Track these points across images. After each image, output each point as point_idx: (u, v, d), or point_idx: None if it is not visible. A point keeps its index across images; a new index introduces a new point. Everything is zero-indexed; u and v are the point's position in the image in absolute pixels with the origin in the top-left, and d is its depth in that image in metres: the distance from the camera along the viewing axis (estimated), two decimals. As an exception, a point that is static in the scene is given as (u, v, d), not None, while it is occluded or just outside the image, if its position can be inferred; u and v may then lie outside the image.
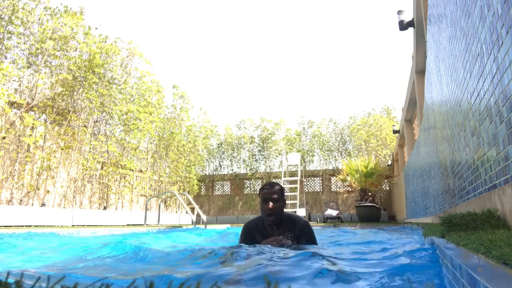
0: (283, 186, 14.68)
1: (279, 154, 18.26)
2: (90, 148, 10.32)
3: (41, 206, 8.67)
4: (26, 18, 8.66)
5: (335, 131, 18.25)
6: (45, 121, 9.42)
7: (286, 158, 16.07)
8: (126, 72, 11.73)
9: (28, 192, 8.66)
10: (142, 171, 13.25)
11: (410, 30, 8.00)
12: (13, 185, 8.38)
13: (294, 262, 2.06)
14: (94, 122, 10.80)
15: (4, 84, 7.82)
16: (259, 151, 18.55)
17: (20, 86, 8.87)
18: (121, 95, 11.26)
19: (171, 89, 15.08)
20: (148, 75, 12.31)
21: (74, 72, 9.74)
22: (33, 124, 8.58)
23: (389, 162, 16.86)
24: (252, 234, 2.97)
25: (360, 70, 52.25)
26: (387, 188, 16.69)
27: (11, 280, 0.50)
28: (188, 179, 16.02)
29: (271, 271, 1.81)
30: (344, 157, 17.71)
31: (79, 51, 10.12)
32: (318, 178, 17.89)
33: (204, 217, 9.35)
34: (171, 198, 14.71)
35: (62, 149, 9.54)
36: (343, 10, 52.29)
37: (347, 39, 53.65)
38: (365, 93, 44.79)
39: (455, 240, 1.48)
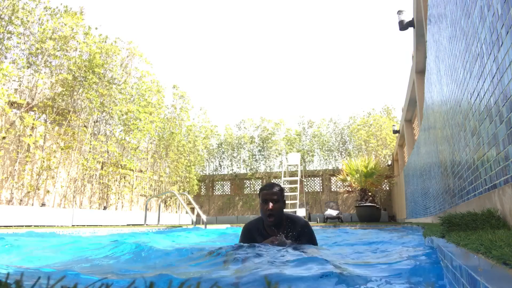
0: (283, 186, 14.73)
1: (279, 154, 18.26)
2: (90, 148, 10.32)
3: (41, 206, 8.67)
4: (26, 18, 8.66)
5: (335, 131, 18.25)
6: (45, 121, 9.42)
7: (286, 158, 16.07)
8: (126, 72, 11.73)
9: (28, 192, 8.66)
10: (142, 171, 13.25)
11: (410, 30, 8.00)
12: (13, 185, 8.38)
13: (295, 264, 2.06)
14: (94, 122, 10.80)
15: (4, 84, 7.82)
16: (259, 151, 18.55)
17: (20, 86, 8.87)
18: (121, 95, 11.26)
19: (171, 89, 15.09)
20: (148, 75, 12.31)
21: (74, 72, 9.74)
22: (33, 124, 8.58)
23: (389, 162, 16.86)
24: (252, 235, 2.98)
25: (360, 70, 52.25)
26: (387, 188, 16.69)
27: (11, 280, 0.50)
28: (188, 179, 16.02)
29: (271, 273, 1.81)
30: (344, 157, 17.71)
31: (79, 51, 10.12)
32: (318, 178, 17.88)
33: (204, 217, 9.35)
34: (171, 198, 14.71)
35: (62, 149, 9.54)
36: (343, 10, 52.30)
37: (347, 39, 53.65)
38: (365, 93, 44.81)
39: (455, 240, 1.48)
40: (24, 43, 8.86)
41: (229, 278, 1.71)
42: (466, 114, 3.08)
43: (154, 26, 53.38)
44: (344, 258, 2.51)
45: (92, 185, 10.82)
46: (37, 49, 8.95)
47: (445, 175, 4.77)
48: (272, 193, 2.89)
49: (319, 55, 52.68)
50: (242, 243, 2.95)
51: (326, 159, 18.03)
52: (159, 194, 13.66)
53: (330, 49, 52.77)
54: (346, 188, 16.12)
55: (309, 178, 17.96)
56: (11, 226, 7.01)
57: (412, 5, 7.68)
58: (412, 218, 9.85)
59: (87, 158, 10.13)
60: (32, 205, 8.70)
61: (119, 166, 11.56)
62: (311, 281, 1.53)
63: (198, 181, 17.18)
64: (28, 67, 8.96)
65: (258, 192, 3.79)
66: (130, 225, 10.00)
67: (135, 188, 12.58)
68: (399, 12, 7.83)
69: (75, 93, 10.05)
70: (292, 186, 14.91)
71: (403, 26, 7.79)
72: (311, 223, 10.22)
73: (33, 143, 8.64)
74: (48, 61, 9.37)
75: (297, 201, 13.82)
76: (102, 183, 11.07)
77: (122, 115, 11.31)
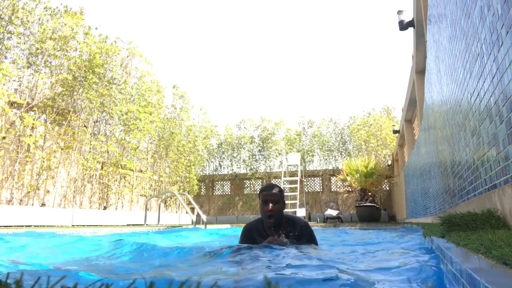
0: (283, 186, 14.73)
1: (279, 154, 18.26)
2: (90, 148, 10.33)
3: (41, 206, 8.67)
4: (26, 18, 8.66)
5: (335, 131, 18.25)
6: (45, 121, 9.42)
7: (286, 158, 16.07)
8: (126, 72, 11.73)
9: (28, 192, 8.66)
10: (142, 171, 13.25)
11: (410, 30, 8.00)
12: (13, 185, 8.38)
13: (296, 266, 2.06)
14: (94, 122, 10.80)
15: (4, 84, 7.82)
16: (259, 151, 18.55)
17: (20, 86, 8.87)
18: (121, 95, 11.27)
19: (171, 89, 15.09)
20: (148, 75, 12.31)
21: (74, 72, 9.74)
22: (33, 124, 8.58)
23: (389, 162, 16.86)
24: (252, 236, 2.98)
25: (360, 70, 52.25)
26: (387, 188, 16.69)
27: (11, 280, 0.50)
28: (188, 179, 16.02)
29: (272, 275, 1.81)
30: (344, 157, 17.71)
31: (79, 51, 10.12)
32: (318, 178, 17.88)
33: (204, 217, 9.35)
34: (171, 198, 14.71)
35: (62, 149, 9.54)
36: (343, 10, 52.30)
37: (347, 39, 53.65)
38: (365, 93, 44.79)
39: (455, 240, 1.48)
40: (24, 43, 8.86)
41: (230, 279, 1.71)
42: (466, 114, 3.08)
43: (154, 26, 53.38)
44: (343, 258, 2.51)
45: (92, 185, 10.82)
46: (37, 49, 8.95)
47: (445, 175, 4.77)
48: (272, 194, 2.89)
49: (319, 55, 52.70)
50: (242, 244, 2.95)
51: (326, 159, 18.03)
52: (159, 194, 13.66)
53: (330, 49, 52.78)
54: (346, 188, 16.12)
55: (309, 178, 17.96)
56: (11, 226, 7.01)
57: (412, 5, 7.68)
58: (412, 218, 9.85)
59: (87, 158, 10.13)
60: (32, 205, 8.70)
61: (119, 166, 11.56)
62: (313, 285, 1.53)
63: (198, 181, 17.18)
64: (28, 67, 8.96)
65: (258, 192, 3.79)
66: (130, 225, 10.00)
67: (135, 188, 12.58)
68: (399, 12, 7.83)
69: (75, 93, 10.05)
70: (292, 186, 14.91)
71: (403, 26, 7.79)
72: (311, 223, 10.22)
73: (33, 143, 8.65)
74: (48, 61, 9.37)
75: (297, 201, 13.82)
76: (102, 183, 11.07)
77: (122, 115, 11.31)
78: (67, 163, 9.83)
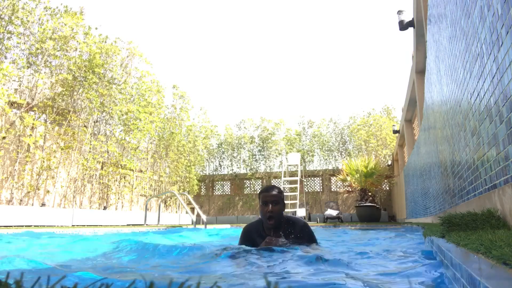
0: (283, 186, 14.73)
1: (279, 154, 18.26)
2: (90, 148, 10.32)
3: (41, 206, 8.67)
4: (26, 18, 8.66)
5: (335, 131, 18.25)
6: (45, 121, 9.42)
7: (286, 158, 16.06)
8: (126, 72, 11.73)
9: (28, 192, 8.66)
10: (142, 171, 13.25)
11: (410, 30, 8.00)
12: (13, 185, 8.38)
13: (297, 268, 2.06)
14: (94, 122, 10.80)
15: (4, 84, 7.82)
16: (259, 151, 18.55)
17: (20, 86, 8.87)
18: (121, 95, 11.27)
19: (171, 89, 15.09)
20: (148, 75, 12.31)
21: (74, 72, 9.74)
22: (33, 124, 8.58)
23: (389, 162, 16.86)
24: (252, 237, 2.99)
25: (360, 70, 52.26)
26: (387, 188, 16.69)
27: (11, 280, 0.50)
28: (188, 179, 16.02)
29: (273, 277, 1.81)
30: (344, 157, 17.71)
31: (79, 51, 10.12)
32: (318, 178, 17.88)
33: (204, 217, 9.35)
34: (171, 198, 14.72)
35: (62, 149, 9.54)
36: (343, 10, 52.31)
37: (347, 39, 53.65)
38: (365, 93, 44.80)
39: (455, 240, 1.48)
40: (24, 43, 8.86)
41: (229, 280, 1.71)
42: (466, 114, 3.08)
43: (154, 26, 53.40)
44: (343, 258, 2.51)
45: (92, 185, 10.82)
46: (37, 49, 8.95)
47: (445, 175, 4.77)
48: (272, 195, 2.90)
49: (319, 55, 52.71)
50: (242, 245, 2.96)
51: (326, 159, 18.03)
52: (159, 194, 13.66)
53: (330, 49, 52.79)
54: (346, 188, 16.12)
55: (309, 178, 17.96)
56: (11, 226, 7.01)
57: (412, 5, 7.68)
58: (412, 218, 9.85)
59: (87, 158, 10.13)
60: (32, 205, 8.70)
61: (119, 166, 11.56)
62: (309, 280, 1.53)
63: (198, 181, 17.18)
64: (28, 67, 8.96)
65: (258, 192, 3.79)
66: (130, 225, 10.00)
67: (135, 188, 12.58)
68: (399, 12, 7.83)
69: (75, 93, 10.05)
70: (292, 186, 14.90)
71: (403, 26, 7.79)
72: (311, 223, 10.22)
73: (33, 143, 8.64)
74: (48, 61, 9.37)
75: (297, 201, 13.82)
76: (102, 183, 11.07)
77: (122, 115, 11.31)
78: (67, 163, 9.83)
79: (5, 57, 8.44)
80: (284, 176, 15.27)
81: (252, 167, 18.37)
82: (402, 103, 12.30)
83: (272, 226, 2.89)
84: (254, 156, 18.56)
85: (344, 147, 18.11)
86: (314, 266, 1.96)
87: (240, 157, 18.81)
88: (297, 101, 45.52)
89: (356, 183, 13.72)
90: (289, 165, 16.13)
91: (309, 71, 51.17)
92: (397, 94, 42.69)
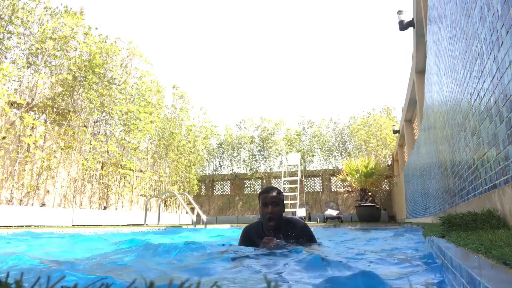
0: (283, 186, 14.72)
1: (279, 154, 18.26)
2: (90, 148, 10.32)
3: (41, 206, 8.67)
4: (26, 18, 8.66)
5: (335, 131, 18.25)
6: (45, 121, 9.42)
7: (286, 158, 16.06)
8: (126, 72, 11.73)
9: (28, 192, 8.66)
10: (142, 171, 13.25)
11: (410, 30, 8.00)
12: (13, 185, 8.38)
13: (298, 269, 2.06)
14: (94, 122, 10.80)
15: (4, 84, 7.82)
16: (259, 151, 18.55)
17: (20, 86, 8.87)
18: (121, 95, 11.27)
19: (171, 89, 15.09)
20: (148, 75, 12.31)
21: (74, 72, 9.74)
22: (33, 124, 8.58)
23: (389, 162, 16.86)
24: (252, 238, 2.99)
25: (360, 70, 52.25)
26: (387, 188, 16.69)
27: (11, 279, 0.50)
28: (188, 179, 16.02)
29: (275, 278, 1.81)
30: (344, 157, 17.71)
31: (79, 51, 10.12)
32: (318, 178, 17.88)
33: (204, 217, 9.35)
34: (171, 198, 14.72)
35: (62, 149, 9.54)
36: (343, 10, 52.30)
37: (347, 39, 53.64)
38: (365, 93, 44.79)
39: (455, 240, 1.48)
40: (24, 43, 8.86)
41: (230, 280, 1.71)
42: (466, 114, 3.08)
43: (154, 26, 53.39)
44: (343, 257, 2.51)
45: (92, 185, 10.82)
46: (37, 49, 8.95)
47: (445, 175, 4.77)
48: (272, 197, 2.91)
49: (319, 55, 52.71)
50: (243, 246, 2.96)
51: (326, 159, 18.03)
52: (159, 194, 13.66)
53: (330, 49, 52.78)
54: (346, 188, 16.12)
55: (309, 178, 17.96)
56: (11, 226, 7.01)
57: (412, 5, 7.68)
58: (412, 218, 9.85)
59: (87, 158, 10.13)
60: (32, 205, 8.70)
61: (119, 166, 11.56)
62: (310, 280, 1.53)
63: (198, 181, 17.18)
64: (28, 67, 8.96)
65: (258, 192, 3.79)
66: (130, 225, 10.00)
67: (135, 188, 12.58)
68: (399, 12, 7.83)
69: (75, 93, 10.05)
70: (292, 186, 14.90)
71: (403, 26, 7.79)
72: (311, 223, 10.22)
73: (33, 143, 8.64)
74: (48, 61, 9.37)
75: (297, 201, 13.81)
76: (102, 183, 11.07)
77: (122, 115, 11.31)
78: (67, 163, 9.83)
79: (5, 57, 8.44)
80: (284, 176, 15.27)
81: (252, 167, 18.37)
82: (402, 103, 12.31)
83: (272, 227, 2.89)
84: (254, 156, 18.55)
85: (344, 147, 18.11)
86: (315, 266, 1.96)
87: (240, 157, 18.81)
88: (297, 101, 45.53)
89: (356, 183, 13.72)
90: (289, 165, 16.13)
91: (309, 71, 51.18)
92: (397, 94, 42.70)
